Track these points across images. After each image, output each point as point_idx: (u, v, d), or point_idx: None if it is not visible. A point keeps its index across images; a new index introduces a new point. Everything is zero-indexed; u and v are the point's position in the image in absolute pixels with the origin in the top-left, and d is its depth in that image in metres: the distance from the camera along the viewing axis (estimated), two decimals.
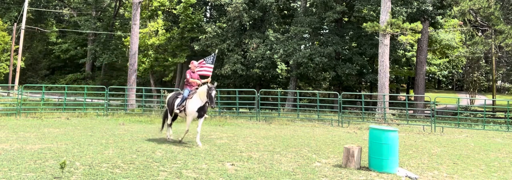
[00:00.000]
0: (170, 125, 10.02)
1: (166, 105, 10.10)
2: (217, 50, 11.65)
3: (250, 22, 27.49)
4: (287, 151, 8.88)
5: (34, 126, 12.42)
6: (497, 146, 11.02)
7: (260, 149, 9.11)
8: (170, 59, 28.56)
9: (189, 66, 9.90)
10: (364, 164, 7.53)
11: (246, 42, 26.94)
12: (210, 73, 10.15)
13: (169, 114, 9.86)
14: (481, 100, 25.09)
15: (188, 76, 9.55)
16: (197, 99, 9.04)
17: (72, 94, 27.27)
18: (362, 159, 7.63)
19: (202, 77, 9.97)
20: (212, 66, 10.26)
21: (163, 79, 36.58)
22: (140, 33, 25.24)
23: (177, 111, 9.34)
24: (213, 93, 8.76)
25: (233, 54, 27.05)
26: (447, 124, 16.35)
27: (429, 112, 20.18)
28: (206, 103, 8.98)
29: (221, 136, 10.80)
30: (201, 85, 9.36)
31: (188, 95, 9.27)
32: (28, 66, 42.82)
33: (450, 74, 51.03)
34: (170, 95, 10.06)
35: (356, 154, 7.37)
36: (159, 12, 28.84)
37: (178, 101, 9.45)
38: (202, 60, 10.39)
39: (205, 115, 9.37)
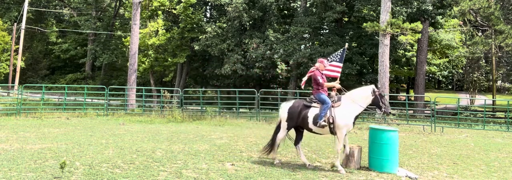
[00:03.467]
0: (286, 141, 7.89)
1: (284, 118, 7.51)
2: (347, 45, 9.16)
3: (250, 22, 27.48)
4: (287, 151, 8.89)
5: (34, 126, 12.42)
6: (497, 146, 11.02)
7: (260, 149, 9.10)
8: (170, 59, 28.57)
9: (316, 65, 7.49)
10: (364, 164, 7.53)
11: (246, 42, 26.94)
12: (339, 74, 8.08)
13: (286, 129, 7.51)
14: (481, 100, 25.08)
15: (320, 80, 7.24)
16: (353, 106, 6.96)
17: (72, 94, 27.26)
18: (362, 159, 7.63)
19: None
20: (341, 65, 8.28)
21: (163, 79, 36.58)
22: (140, 33, 25.21)
23: (323, 123, 6.94)
24: (385, 96, 6.83)
25: (233, 54, 27.06)
26: (447, 124, 16.34)
27: (429, 112, 20.15)
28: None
29: (221, 136, 10.79)
30: (336, 90, 7.43)
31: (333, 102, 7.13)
32: (28, 66, 42.84)
33: (450, 74, 51.01)
34: (289, 104, 7.54)
35: (356, 154, 7.37)
36: (159, 12, 28.83)
37: (315, 111, 7.12)
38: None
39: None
